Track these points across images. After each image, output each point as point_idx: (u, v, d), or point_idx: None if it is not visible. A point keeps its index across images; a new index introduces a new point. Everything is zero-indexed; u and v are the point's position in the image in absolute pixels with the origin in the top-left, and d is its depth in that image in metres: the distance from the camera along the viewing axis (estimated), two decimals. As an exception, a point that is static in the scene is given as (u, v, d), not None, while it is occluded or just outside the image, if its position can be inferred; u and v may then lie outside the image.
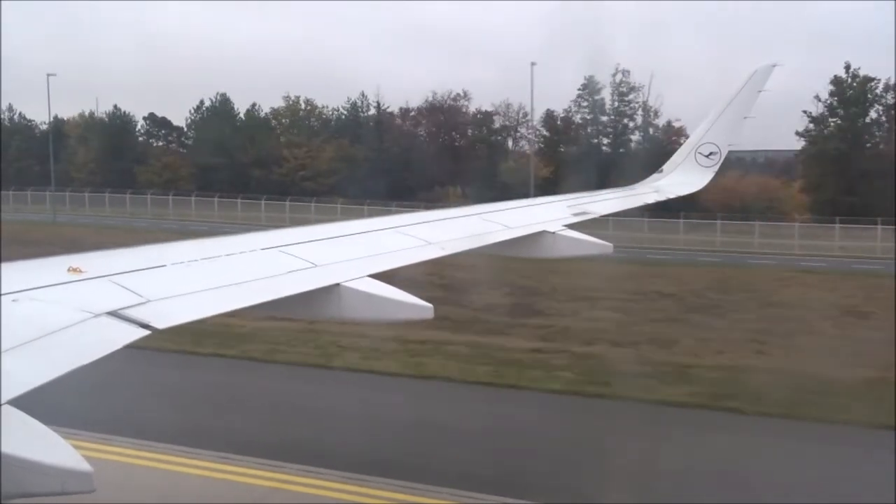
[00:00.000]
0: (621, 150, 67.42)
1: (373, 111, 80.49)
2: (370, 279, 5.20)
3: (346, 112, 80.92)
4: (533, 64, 53.66)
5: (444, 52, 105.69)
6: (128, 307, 3.82)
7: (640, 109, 69.57)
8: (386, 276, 5.43)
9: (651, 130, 69.52)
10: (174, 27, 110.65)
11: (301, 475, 12.16)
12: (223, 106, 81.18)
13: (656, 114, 69.58)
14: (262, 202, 60.06)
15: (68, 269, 4.13)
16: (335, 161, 72.21)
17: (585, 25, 65.13)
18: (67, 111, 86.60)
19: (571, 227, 8.51)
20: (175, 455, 12.79)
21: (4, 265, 4.00)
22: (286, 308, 4.89)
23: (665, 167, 12.75)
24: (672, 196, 12.03)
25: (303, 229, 6.57)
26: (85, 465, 2.69)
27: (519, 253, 8.24)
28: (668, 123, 67.40)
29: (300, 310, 5.15)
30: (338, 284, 5.00)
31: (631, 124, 70.69)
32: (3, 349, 3.10)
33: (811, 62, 74.23)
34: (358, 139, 75.95)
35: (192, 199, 65.31)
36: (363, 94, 79.99)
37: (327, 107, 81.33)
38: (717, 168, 12.24)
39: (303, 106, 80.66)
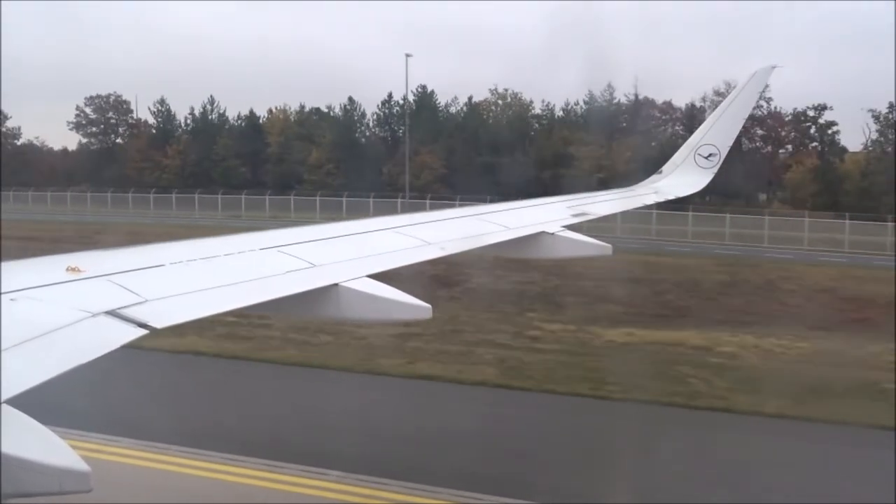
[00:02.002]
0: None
1: (618, 102, 72.80)
2: (368, 279, 5.21)
3: (585, 104, 74.09)
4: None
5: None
6: (126, 307, 3.82)
7: None
8: (384, 277, 5.43)
9: None
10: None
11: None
12: (425, 99, 75.02)
13: None
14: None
15: (67, 269, 4.13)
16: (633, 162, 60.94)
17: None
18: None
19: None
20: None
21: (3, 264, 4.00)
22: (285, 308, 4.90)
23: (665, 168, 12.75)
24: (671, 197, 12.04)
25: (302, 229, 6.57)
26: (83, 465, 2.68)
27: (518, 254, 8.23)
28: None
29: (298, 309, 5.16)
30: (336, 284, 5.01)
31: None
32: (0, 348, 3.10)
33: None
34: (643, 136, 68.44)
35: (427, 201, 58.09)
36: (610, 85, 72.86)
37: (543, 100, 74.98)
38: (716, 169, 12.24)
39: (508, 99, 75.82)
